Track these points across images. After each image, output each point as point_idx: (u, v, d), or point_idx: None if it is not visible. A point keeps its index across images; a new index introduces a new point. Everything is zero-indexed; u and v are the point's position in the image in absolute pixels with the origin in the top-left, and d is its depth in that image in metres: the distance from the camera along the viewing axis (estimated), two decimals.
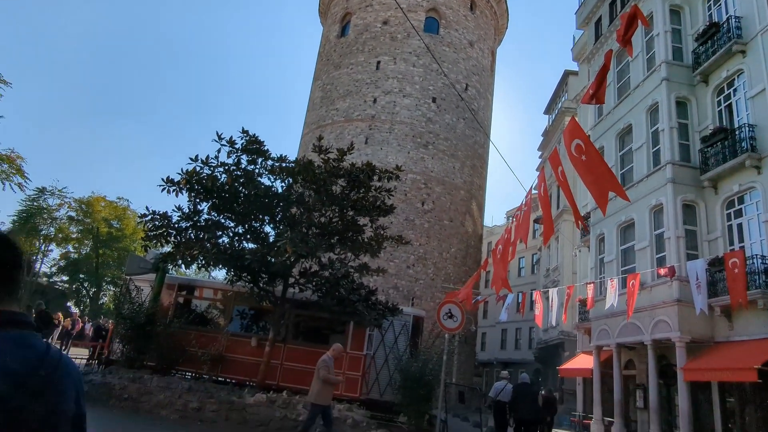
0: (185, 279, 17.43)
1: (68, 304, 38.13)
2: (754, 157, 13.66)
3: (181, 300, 14.63)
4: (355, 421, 10.80)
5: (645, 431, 15.83)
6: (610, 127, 19.73)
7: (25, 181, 25.64)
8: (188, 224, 12.30)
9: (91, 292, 46.85)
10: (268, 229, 13.20)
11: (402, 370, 12.13)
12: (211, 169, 12.08)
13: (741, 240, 14.18)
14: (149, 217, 11.90)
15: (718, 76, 15.82)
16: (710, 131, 15.50)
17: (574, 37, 30.87)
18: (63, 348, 19.05)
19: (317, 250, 11.56)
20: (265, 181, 12.84)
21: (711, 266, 13.64)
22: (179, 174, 11.71)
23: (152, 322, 12.64)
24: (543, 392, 14.39)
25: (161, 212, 12.02)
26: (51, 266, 45.03)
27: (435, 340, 14.10)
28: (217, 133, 12.13)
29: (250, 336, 13.55)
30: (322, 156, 12.55)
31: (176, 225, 12.15)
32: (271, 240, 12.71)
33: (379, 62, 30.66)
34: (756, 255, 13.15)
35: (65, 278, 45.68)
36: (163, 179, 11.62)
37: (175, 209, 12.16)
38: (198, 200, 12.39)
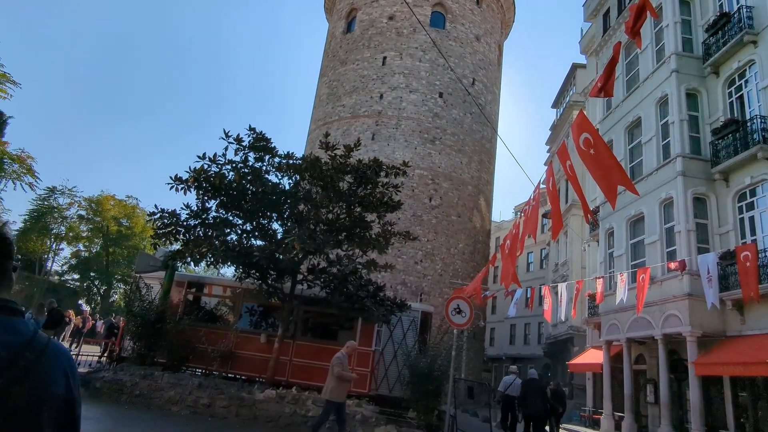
0: (194, 276, 17.53)
1: (79, 302, 38.52)
2: (766, 149, 13.45)
3: (190, 297, 14.74)
4: (365, 416, 10.85)
5: (656, 426, 15.73)
6: (619, 120, 19.54)
7: (36, 181, 26.00)
8: (197, 222, 12.39)
9: (101, 290, 47.40)
10: (276, 226, 13.26)
11: (411, 365, 12.14)
12: (219, 166, 12.17)
13: (753, 233, 13.99)
14: (158, 215, 11.99)
15: (729, 67, 15.57)
16: (721, 123, 15.28)
17: (581, 30, 30.58)
18: (75, 345, 19.29)
19: (325, 246, 11.60)
20: (273, 178, 12.91)
21: (722, 260, 13.50)
22: (187, 172, 11.80)
23: (162, 320, 12.76)
24: (552, 386, 14.35)
25: (170, 210, 12.11)
26: (62, 264, 45.76)
27: (443, 335, 14.07)
28: (225, 131, 12.24)
29: (259, 333, 13.62)
30: (329, 152, 12.57)
31: (185, 223, 12.23)
32: (279, 237, 12.76)
33: (385, 58, 30.57)
34: None
35: (76, 276, 46.29)
36: (171, 177, 11.73)
37: (184, 207, 12.28)
38: (206, 198, 12.46)
